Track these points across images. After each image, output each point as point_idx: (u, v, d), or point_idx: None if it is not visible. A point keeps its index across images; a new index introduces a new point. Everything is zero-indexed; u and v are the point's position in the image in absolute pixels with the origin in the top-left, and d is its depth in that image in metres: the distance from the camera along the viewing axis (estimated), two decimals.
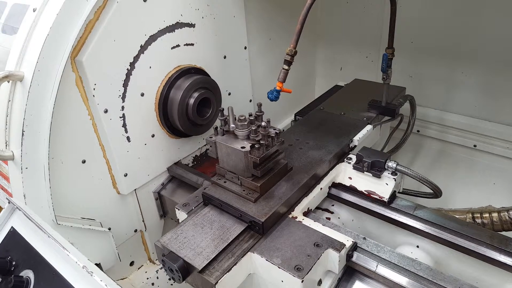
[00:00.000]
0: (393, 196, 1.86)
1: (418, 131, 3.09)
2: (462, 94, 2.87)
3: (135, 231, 2.19)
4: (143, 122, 1.95)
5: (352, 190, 1.94)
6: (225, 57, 2.24)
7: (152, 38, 1.82)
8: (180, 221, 1.80)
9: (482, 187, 2.88)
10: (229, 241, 1.54)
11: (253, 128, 1.62)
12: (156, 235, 2.31)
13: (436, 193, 1.95)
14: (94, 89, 1.67)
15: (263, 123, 1.59)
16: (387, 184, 1.84)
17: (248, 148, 1.61)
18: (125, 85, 1.79)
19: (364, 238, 1.65)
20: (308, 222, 1.67)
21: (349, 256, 1.57)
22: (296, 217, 1.70)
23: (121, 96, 1.80)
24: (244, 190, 1.69)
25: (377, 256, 1.57)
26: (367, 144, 2.25)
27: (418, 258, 1.73)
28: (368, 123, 2.26)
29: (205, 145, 2.37)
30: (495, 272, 1.61)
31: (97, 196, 1.92)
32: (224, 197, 1.68)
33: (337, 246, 1.53)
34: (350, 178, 1.94)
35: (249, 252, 1.52)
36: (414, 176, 1.82)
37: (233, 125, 1.59)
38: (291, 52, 1.62)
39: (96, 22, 1.61)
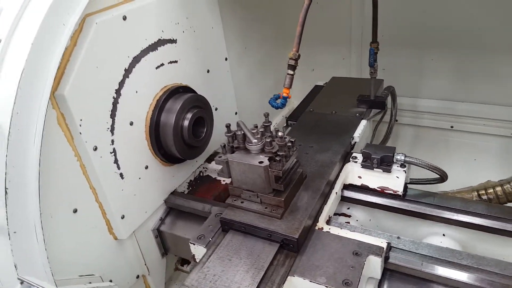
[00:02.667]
0: (405, 188, 1.82)
1: (396, 120, 3.12)
2: (434, 80, 2.94)
3: (137, 277, 1.96)
4: (135, 154, 1.75)
5: (364, 189, 1.87)
6: (208, 71, 2.10)
7: (136, 60, 1.64)
8: (196, 256, 1.62)
9: (465, 164, 2.96)
10: (266, 268, 1.39)
11: (268, 140, 1.50)
12: (159, 277, 2.10)
13: (443, 177, 1.95)
14: (80, 125, 1.46)
15: (279, 133, 1.47)
16: (397, 178, 1.80)
17: (266, 162, 1.48)
18: (113, 115, 1.59)
19: (398, 238, 1.58)
20: (336, 231, 1.58)
21: (386, 258, 1.49)
22: (322, 228, 1.60)
23: (110, 129, 1.60)
24: (266, 208, 1.56)
25: (417, 253, 1.51)
26: (362, 141, 2.21)
27: (448, 246, 1.69)
28: (362, 118, 2.23)
29: (198, 168, 2.19)
30: None
31: (92, 247, 1.69)
32: (246, 219, 1.54)
33: (377, 251, 1.46)
34: (359, 177, 1.88)
35: (289, 277, 1.39)
36: (422, 165, 1.81)
37: (255, 140, 1.45)
38: (295, 56, 1.53)
39: (74, 48, 1.40)
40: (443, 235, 1.77)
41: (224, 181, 2.21)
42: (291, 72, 1.55)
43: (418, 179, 2.16)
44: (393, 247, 1.53)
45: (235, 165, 1.54)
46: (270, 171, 1.48)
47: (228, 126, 1.57)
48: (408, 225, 1.84)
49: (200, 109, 1.88)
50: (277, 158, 1.46)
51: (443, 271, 1.43)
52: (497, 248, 1.68)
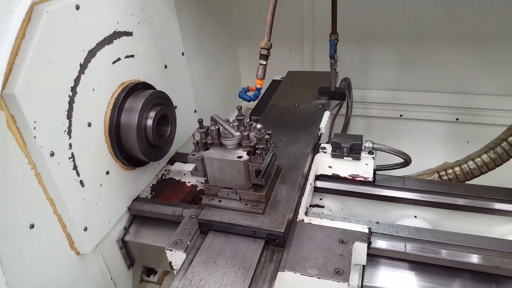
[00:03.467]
0: (374, 175, 1.85)
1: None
2: (382, 71, 3.07)
3: None
4: (94, 158, 1.58)
5: (335, 178, 1.88)
6: (166, 66, 1.97)
7: (91, 54, 1.48)
8: (174, 263, 1.51)
9: (415, 150, 3.06)
10: (254, 267, 1.33)
11: (245, 134, 1.43)
12: None
13: (407, 161, 2.01)
14: (35, 128, 1.28)
15: (258, 126, 1.41)
16: (366, 164, 1.83)
17: (245, 156, 1.41)
18: (69, 116, 1.42)
19: (377, 223, 1.59)
20: (317, 221, 1.56)
21: (368, 244, 1.49)
22: (303, 220, 1.56)
23: (67, 131, 1.42)
24: (246, 204, 1.49)
25: (398, 236, 1.52)
26: (326, 131, 2.22)
27: (421, 226, 1.74)
28: (325, 110, 2.24)
29: (160, 171, 2.06)
30: (484, 220, 1.71)
31: (53, 265, 1.50)
32: (227, 218, 1.46)
33: (362, 237, 1.45)
34: (330, 167, 1.88)
35: (279, 272, 1.34)
36: (389, 150, 1.85)
37: (238, 133, 1.37)
38: (267, 46, 1.49)
39: (22, 40, 1.22)
40: (415, 216, 1.82)
41: (189, 182, 2.10)
42: (264, 62, 1.51)
43: (382, 165, 2.22)
44: (373, 232, 1.54)
45: (211, 162, 1.45)
46: (251, 165, 1.41)
47: (200, 121, 1.48)
48: (380, 210, 1.87)
49: (162, 106, 1.75)
50: (258, 152, 1.40)
51: (424, 251, 1.46)
52: (462, 224, 1.76)
